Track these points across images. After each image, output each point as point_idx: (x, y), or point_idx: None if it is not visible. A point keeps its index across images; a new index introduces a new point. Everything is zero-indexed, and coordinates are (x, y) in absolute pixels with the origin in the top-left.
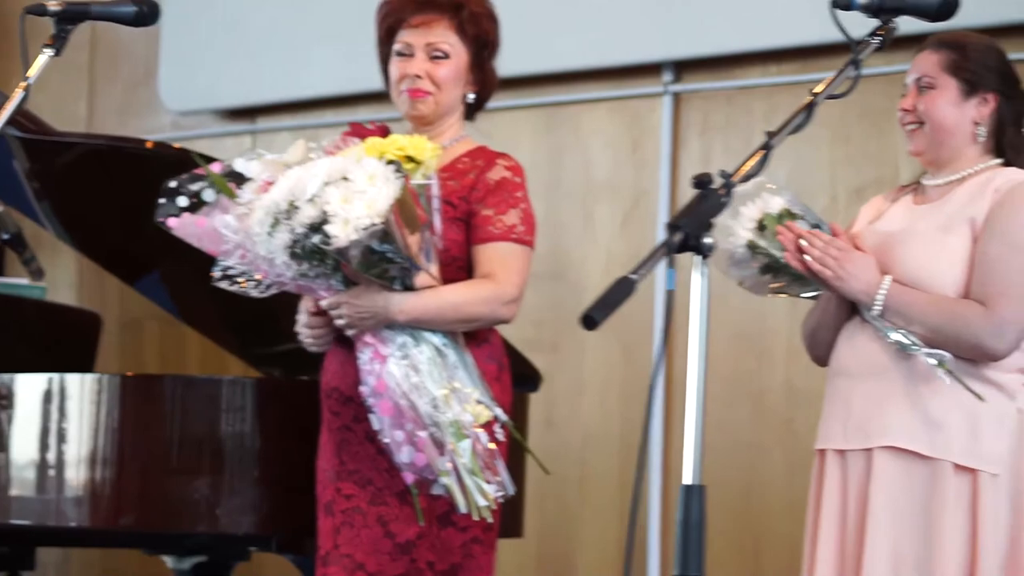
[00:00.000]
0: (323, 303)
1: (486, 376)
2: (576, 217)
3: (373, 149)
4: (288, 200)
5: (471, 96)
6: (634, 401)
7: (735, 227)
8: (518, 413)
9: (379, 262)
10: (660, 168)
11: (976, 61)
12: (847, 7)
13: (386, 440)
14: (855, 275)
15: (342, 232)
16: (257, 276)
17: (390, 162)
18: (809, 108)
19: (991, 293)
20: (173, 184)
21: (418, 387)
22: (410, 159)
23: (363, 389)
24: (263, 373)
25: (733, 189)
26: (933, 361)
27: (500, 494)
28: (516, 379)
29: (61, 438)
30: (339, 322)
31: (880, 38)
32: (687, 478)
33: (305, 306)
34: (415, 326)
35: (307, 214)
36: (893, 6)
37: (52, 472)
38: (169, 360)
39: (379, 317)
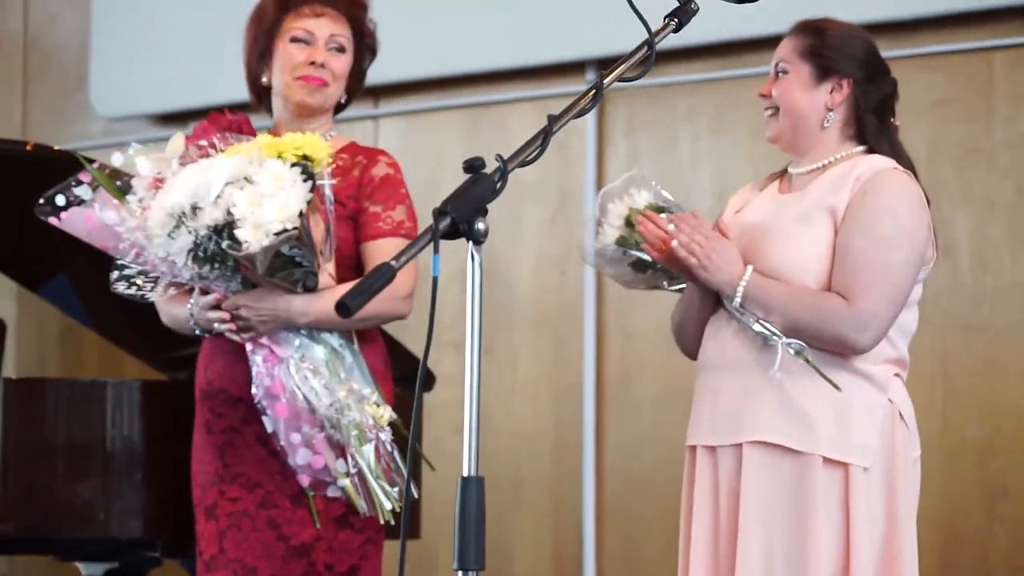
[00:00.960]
0: (223, 304)
1: (376, 375)
2: (504, 218)
3: (271, 148)
4: (191, 202)
5: (344, 95)
6: (566, 401)
7: (604, 225)
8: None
9: (286, 265)
10: (586, 167)
11: (832, 47)
12: None
13: (282, 443)
14: (719, 266)
15: (252, 237)
16: (153, 276)
17: (294, 164)
18: (596, 92)
19: (853, 286)
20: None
21: (316, 389)
22: (306, 158)
23: (256, 391)
24: (170, 377)
25: (507, 175)
26: (792, 351)
27: (396, 496)
28: (408, 381)
29: None
30: (235, 324)
31: (677, 20)
32: (465, 470)
33: (204, 297)
34: (318, 328)
35: (211, 216)
36: None
37: None
38: (108, 366)
39: (280, 320)
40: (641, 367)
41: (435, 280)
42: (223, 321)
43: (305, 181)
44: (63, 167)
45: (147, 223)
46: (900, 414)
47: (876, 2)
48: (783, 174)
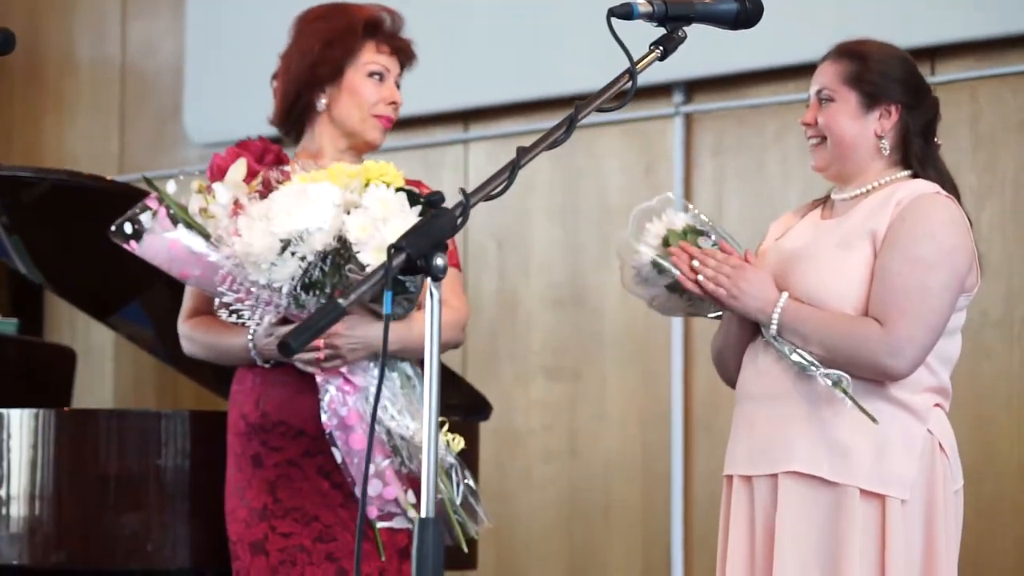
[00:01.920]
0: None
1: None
2: (592, 243)
3: (360, 175)
4: (300, 229)
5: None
6: (655, 428)
7: (640, 245)
8: (469, 443)
9: (402, 291)
10: (674, 190)
11: (877, 72)
12: (627, 16)
13: (354, 474)
14: (750, 293)
15: (376, 260)
16: (248, 304)
17: (399, 189)
18: (569, 122)
19: (889, 310)
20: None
21: (395, 418)
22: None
23: (328, 422)
24: None
25: (468, 209)
26: (829, 381)
27: (481, 525)
28: (468, 409)
29: (4, 473)
30: (327, 352)
31: (662, 48)
32: (422, 512)
33: (271, 318)
34: (392, 355)
35: (321, 241)
36: (680, 14)
37: None
38: (204, 396)
39: (370, 348)
40: (729, 394)
41: (387, 317)
42: (316, 349)
43: (415, 208)
44: (123, 198)
45: (249, 249)
46: (940, 445)
47: (963, 22)
48: (826, 200)
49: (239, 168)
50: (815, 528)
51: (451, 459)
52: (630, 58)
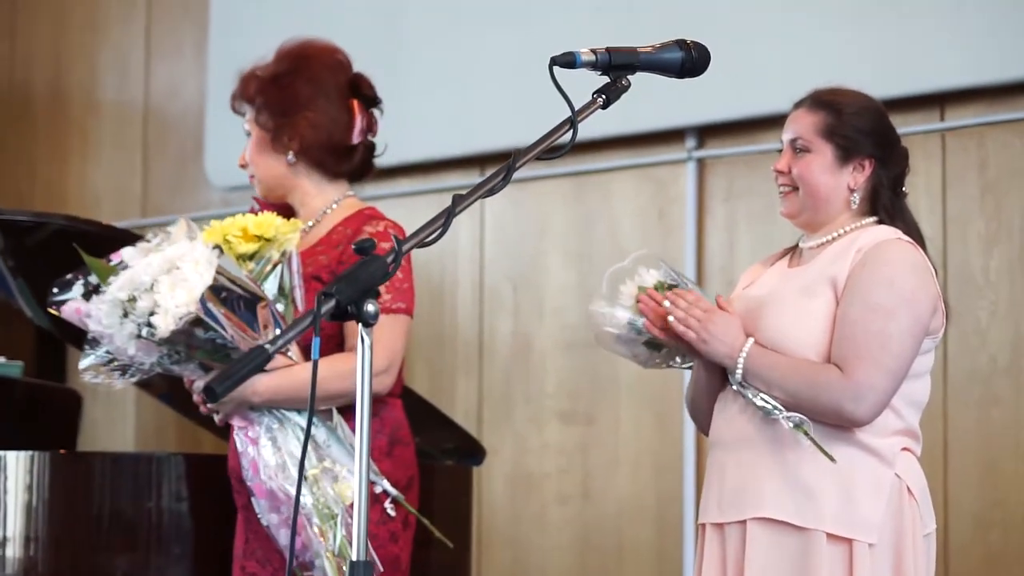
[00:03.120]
0: (192, 388)
1: (374, 452)
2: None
3: (214, 233)
4: (127, 291)
5: (291, 156)
6: (668, 472)
7: (615, 308)
8: (462, 487)
9: (216, 348)
10: (685, 235)
11: (851, 126)
12: (569, 65)
13: (265, 523)
14: (719, 337)
15: (162, 323)
16: (119, 365)
17: (216, 246)
18: (507, 170)
19: (848, 356)
20: (70, 275)
21: (285, 468)
22: (260, 237)
23: (244, 472)
24: None
25: (400, 256)
26: (791, 424)
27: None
28: (461, 454)
29: (1, 515)
30: (207, 407)
31: (604, 97)
32: (354, 555)
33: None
34: (276, 406)
35: (144, 305)
36: (624, 63)
37: None
38: (186, 436)
39: (235, 400)
40: None
41: (315, 363)
42: (200, 404)
43: (213, 264)
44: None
45: (99, 312)
46: (909, 489)
47: (972, 68)
48: (794, 248)
49: (178, 228)
50: (784, 572)
51: (337, 509)
52: (571, 107)
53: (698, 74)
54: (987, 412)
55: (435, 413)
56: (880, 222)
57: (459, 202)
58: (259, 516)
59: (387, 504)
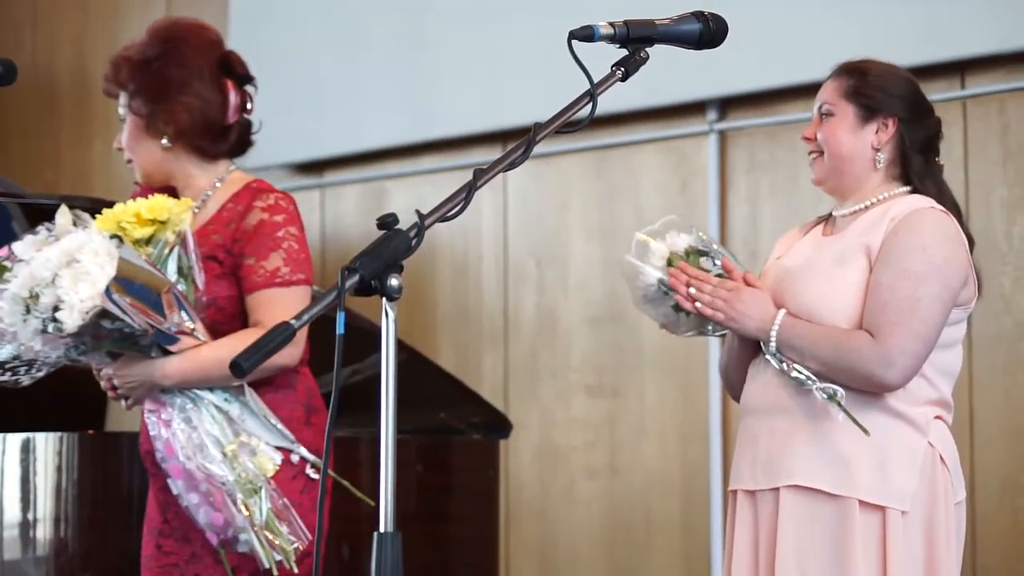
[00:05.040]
0: (101, 375)
1: (293, 423)
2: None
3: (107, 221)
4: (28, 288)
5: (166, 141)
6: (694, 444)
7: (645, 266)
8: (489, 461)
9: (123, 337)
10: (708, 207)
11: (875, 86)
12: (588, 38)
13: (184, 504)
14: (747, 314)
15: (68, 318)
16: (26, 360)
17: (113, 235)
18: (527, 144)
19: (880, 322)
20: None
21: (203, 447)
22: (154, 221)
23: (157, 454)
24: None
25: (423, 230)
26: (824, 395)
27: (296, 544)
28: (488, 428)
29: (31, 496)
30: (117, 392)
31: (623, 70)
32: (382, 526)
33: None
34: (185, 387)
35: (47, 300)
36: (642, 35)
37: (18, 531)
38: None
39: (147, 384)
40: None
41: (340, 338)
42: (109, 390)
43: (114, 254)
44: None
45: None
46: (941, 458)
47: (992, 35)
48: (828, 216)
49: (61, 217)
50: (817, 541)
51: (260, 483)
52: (590, 80)
53: (716, 45)
54: (1013, 377)
55: (461, 387)
56: (914, 191)
57: (480, 176)
58: (177, 496)
59: (308, 470)
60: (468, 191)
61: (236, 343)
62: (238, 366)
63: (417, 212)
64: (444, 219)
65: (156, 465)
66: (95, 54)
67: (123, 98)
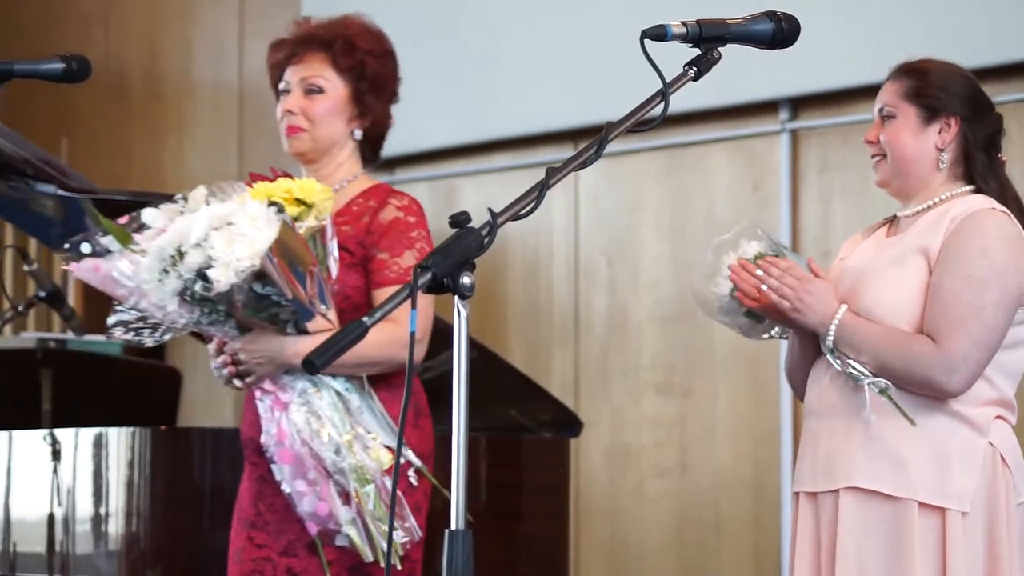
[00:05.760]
0: (224, 349)
1: (396, 421)
2: (701, 259)
3: (259, 192)
4: (175, 246)
5: (358, 132)
6: (765, 444)
7: (717, 279)
8: (559, 459)
9: (267, 306)
10: (780, 207)
11: (937, 86)
12: (660, 38)
13: (287, 490)
14: (812, 305)
15: (223, 276)
16: (151, 323)
17: (271, 203)
18: (599, 143)
19: (941, 328)
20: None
21: (319, 434)
22: (300, 202)
23: (264, 438)
24: None
25: (496, 228)
26: (876, 389)
27: (406, 539)
28: (558, 426)
29: (103, 491)
30: (239, 368)
31: (696, 69)
32: (453, 523)
33: (213, 344)
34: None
35: (194, 259)
36: (715, 35)
37: (90, 526)
38: None
39: (276, 362)
40: None
41: (412, 336)
42: (225, 365)
43: (278, 220)
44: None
45: (140, 268)
46: (1002, 458)
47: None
48: (893, 219)
49: (195, 197)
50: (876, 543)
51: (373, 475)
52: (663, 79)
53: (788, 45)
54: None
55: (531, 385)
56: (977, 190)
57: (552, 175)
58: (281, 484)
59: (410, 473)
60: (540, 190)
61: (376, 332)
62: (310, 363)
63: (489, 210)
64: (516, 217)
65: (257, 453)
66: (167, 51)
67: (331, 72)
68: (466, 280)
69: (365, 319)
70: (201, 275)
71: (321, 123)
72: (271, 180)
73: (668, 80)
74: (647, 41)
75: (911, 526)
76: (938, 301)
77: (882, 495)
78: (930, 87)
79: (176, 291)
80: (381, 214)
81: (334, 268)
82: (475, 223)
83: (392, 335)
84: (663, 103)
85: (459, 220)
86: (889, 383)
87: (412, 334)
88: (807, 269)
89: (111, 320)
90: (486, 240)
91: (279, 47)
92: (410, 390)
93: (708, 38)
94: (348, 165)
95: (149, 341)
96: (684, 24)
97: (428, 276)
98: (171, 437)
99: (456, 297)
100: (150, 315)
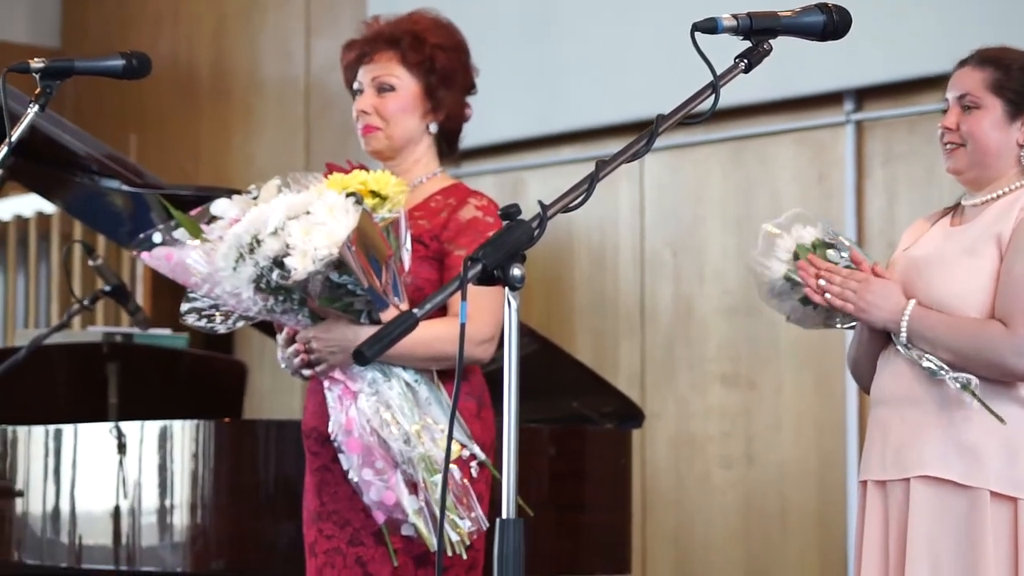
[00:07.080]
0: (297, 337)
1: (464, 413)
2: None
3: (336, 183)
4: (251, 234)
5: (433, 126)
6: (830, 435)
7: (771, 261)
8: (621, 450)
9: (343, 295)
10: (845, 199)
11: (1021, 81)
12: (711, 31)
13: (355, 479)
14: (877, 304)
15: (300, 264)
16: (224, 311)
17: (350, 194)
18: (650, 136)
19: (1013, 311)
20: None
21: (388, 423)
22: (375, 194)
23: (332, 427)
24: None
25: (546, 221)
26: (958, 384)
27: (473, 529)
28: (620, 417)
29: (168, 484)
30: (311, 357)
31: (747, 62)
32: (504, 512)
33: (283, 334)
34: (385, 361)
35: (270, 247)
36: (765, 27)
37: (155, 518)
38: None
39: (348, 351)
40: None
41: (462, 327)
42: (297, 354)
43: (357, 210)
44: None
45: (216, 256)
46: None
47: None
48: (956, 206)
49: (269, 187)
50: (947, 532)
51: (441, 466)
52: (713, 72)
53: (839, 37)
54: None
55: (594, 377)
56: None
57: (602, 167)
58: (348, 473)
59: (473, 465)
60: (590, 182)
61: (442, 328)
62: (360, 354)
63: (540, 203)
64: (566, 210)
65: (319, 443)
66: (234, 48)
67: (401, 69)
68: (516, 272)
69: (416, 311)
70: (277, 263)
71: (395, 120)
72: (347, 172)
73: (719, 73)
74: (698, 34)
75: (983, 515)
76: (1008, 286)
77: (954, 484)
78: (1015, 81)
79: (251, 279)
80: (460, 212)
81: (407, 260)
82: (529, 215)
83: (467, 331)
84: (714, 95)
85: (509, 212)
86: (972, 378)
87: (462, 325)
88: (869, 256)
89: (184, 307)
90: (536, 232)
91: (351, 48)
92: (460, 379)
93: (758, 31)
94: (425, 161)
95: (221, 328)
96: (735, 17)
97: (479, 268)
98: (235, 429)
99: (507, 288)
100: (223, 303)
